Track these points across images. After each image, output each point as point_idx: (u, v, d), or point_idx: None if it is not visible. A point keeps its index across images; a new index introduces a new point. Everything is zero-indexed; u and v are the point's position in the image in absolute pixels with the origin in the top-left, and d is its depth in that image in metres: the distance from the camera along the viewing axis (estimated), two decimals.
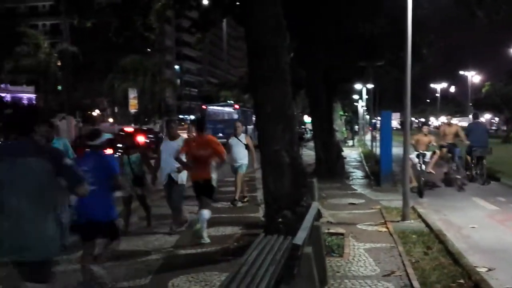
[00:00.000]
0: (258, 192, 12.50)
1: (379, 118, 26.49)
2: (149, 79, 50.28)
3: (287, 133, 7.26)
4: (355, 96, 46.11)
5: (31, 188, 3.76)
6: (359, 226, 8.95)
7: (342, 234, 8.18)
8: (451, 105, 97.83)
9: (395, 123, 29.85)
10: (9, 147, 4.02)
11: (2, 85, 44.96)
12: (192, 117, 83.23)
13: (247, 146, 11.45)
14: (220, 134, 22.21)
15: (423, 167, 12.68)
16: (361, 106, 48.80)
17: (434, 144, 13.67)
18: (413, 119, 55.68)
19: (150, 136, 27.67)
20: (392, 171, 14.45)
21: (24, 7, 74.15)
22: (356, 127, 53.56)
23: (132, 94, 48.28)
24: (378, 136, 19.77)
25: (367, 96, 34.52)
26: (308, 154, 20.96)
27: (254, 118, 9.68)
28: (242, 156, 11.39)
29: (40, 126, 4.23)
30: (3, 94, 44.78)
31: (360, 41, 14.96)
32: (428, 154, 13.12)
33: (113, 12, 10.69)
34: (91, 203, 4.97)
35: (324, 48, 14.86)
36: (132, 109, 48.75)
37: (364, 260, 6.82)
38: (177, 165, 8.18)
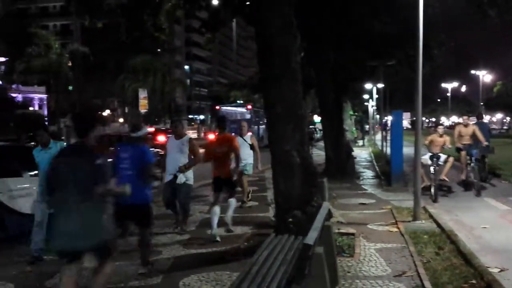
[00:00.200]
0: (268, 192, 12.50)
1: (389, 117, 26.40)
2: (159, 79, 50.46)
3: (297, 132, 7.24)
4: (365, 96, 45.99)
5: (87, 184, 4.27)
6: (369, 226, 8.91)
7: (352, 234, 8.14)
8: (462, 104, 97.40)
9: (405, 122, 29.67)
10: (68, 148, 4.71)
11: (14, 86, 45.26)
12: (202, 117, 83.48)
13: (252, 146, 11.45)
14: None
15: (436, 169, 12.01)
16: (371, 105, 48.70)
17: (450, 146, 12.83)
18: (423, 118, 55.32)
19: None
20: (403, 171, 14.38)
21: (34, 8, 74.62)
22: (367, 126, 53.40)
23: (142, 94, 48.46)
24: (388, 136, 19.70)
25: (377, 96, 34.44)
26: (317, 154, 20.93)
27: None
28: (246, 156, 11.33)
29: (94, 130, 4.56)
30: (14, 95, 45.11)
31: (371, 41, 14.92)
32: (443, 157, 12.40)
33: (124, 12, 10.73)
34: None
35: (334, 48, 14.84)
36: (142, 109, 48.92)
37: (375, 260, 6.79)
38: (180, 164, 8.22)
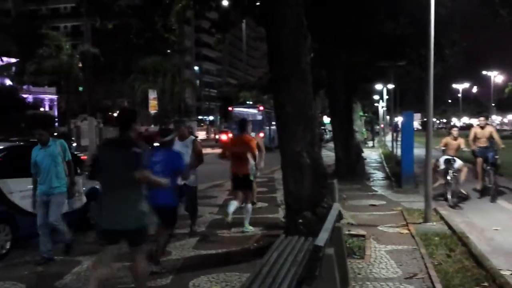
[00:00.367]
0: (278, 193, 12.48)
1: (399, 118, 26.27)
2: (169, 80, 50.53)
3: (307, 133, 7.21)
4: (376, 97, 45.80)
5: (130, 173, 4.70)
6: (380, 228, 8.86)
7: (363, 235, 8.11)
8: (473, 105, 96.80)
9: (416, 123, 29.54)
10: (112, 141, 5.21)
11: (25, 87, 45.58)
12: (211, 118, 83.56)
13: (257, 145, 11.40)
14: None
15: (452, 176, 11.25)
16: (381, 106, 48.48)
17: (466, 148, 12.19)
18: (434, 119, 55.13)
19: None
20: (414, 172, 14.29)
21: (45, 9, 75.12)
22: (377, 127, 53.17)
23: (152, 95, 48.53)
24: (399, 137, 19.57)
25: (387, 97, 34.29)
26: (327, 155, 20.84)
27: None
28: None
29: (136, 124, 5.12)
30: (25, 95, 45.41)
31: (382, 41, 14.84)
32: (458, 162, 11.65)
33: (134, 13, 10.76)
34: (157, 190, 5.48)
35: (345, 48, 14.76)
36: (152, 110, 49.04)
37: (385, 262, 6.75)
38: None
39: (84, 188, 9.24)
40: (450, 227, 8.63)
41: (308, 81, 7.31)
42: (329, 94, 18.18)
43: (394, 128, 26.83)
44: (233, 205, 8.63)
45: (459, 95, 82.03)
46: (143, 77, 49.14)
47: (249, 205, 8.83)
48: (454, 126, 14.09)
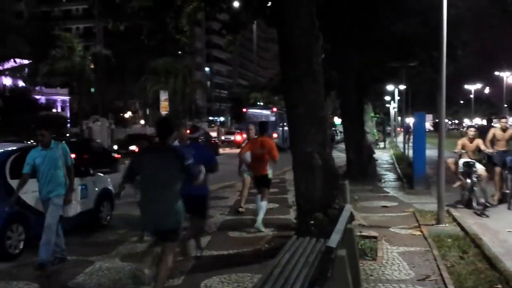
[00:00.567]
0: (289, 194, 12.46)
1: (410, 119, 26.11)
2: (180, 81, 50.60)
3: (319, 134, 7.20)
4: (387, 97, 45.60)
5: (167, 176, 5.19)
6: (392, 229, 8.82)
7: (375, 237, 8.07)
8: (485, 106, 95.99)
9: (427, 124, 29.32)
10: (153, 147, 5.88)
11: (37, 88, 45.88)
12: (222, 119, 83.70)
13: None
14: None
15: (474, 182, 10.47)
16: (392, 107, 48.26)
17: (488, 150, 11.27)
18: (446, 120, 54.74)
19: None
20: (426, 173, 14.20)
21: (58, 11, 75.53)
22: (388, 128, 52.92)
23: (164, 96, 48.65)
24: (411, 138, 19.44)
25: (399, 97, 34.13)
26: (338, 156, 20.76)
27: None
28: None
29: (172, 135, 5.68)
30: (38, 97, 45.72)
31: (393, 42, 14.78)
32: (479, 167, 10.68)
33: (146, 15, 10.81)
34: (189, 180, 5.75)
35: (356, 49, 14.72)
36: (163, 111, 49.16)
37: (398, 263, 6.71)
38: None
39: (96, 189, 9.30)
40: (463, 228, 8.57)
41: (319, 82, 7.30)
42: (340, 95, 18.13)
43: (406, 129, 26.69)
44: (260, 208, 9.03)
45: (471, 95, 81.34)
46: (154, 78, 49.25)
47: (265, 202, 9.07)
48: (471, 126, 13.51)
